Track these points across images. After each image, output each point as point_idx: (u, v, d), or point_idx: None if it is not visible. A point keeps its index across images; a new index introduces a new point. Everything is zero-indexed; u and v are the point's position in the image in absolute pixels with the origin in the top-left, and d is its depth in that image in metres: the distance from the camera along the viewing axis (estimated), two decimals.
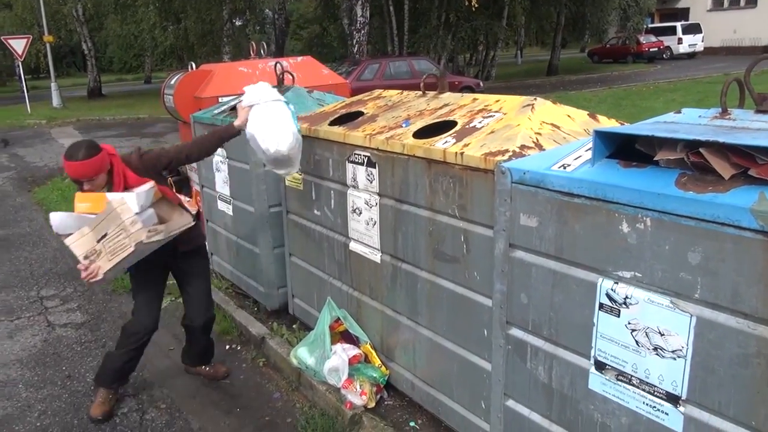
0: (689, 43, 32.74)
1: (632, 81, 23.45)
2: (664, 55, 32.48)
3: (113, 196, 3.01)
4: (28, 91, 23.11)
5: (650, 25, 34.46)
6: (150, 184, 3.13)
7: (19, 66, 25.22)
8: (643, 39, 32.26)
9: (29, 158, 13.02)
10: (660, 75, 25.11)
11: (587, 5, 29.35)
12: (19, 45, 21.22)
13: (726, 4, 33.63)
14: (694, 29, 32.75)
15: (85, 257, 3.01)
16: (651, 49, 32.24)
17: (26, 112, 21.52)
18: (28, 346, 4.42)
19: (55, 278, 5.73)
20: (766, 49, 29.53)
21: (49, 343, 4.46)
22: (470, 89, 17.35)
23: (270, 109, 3.39)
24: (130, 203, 2.99)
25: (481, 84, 19.69)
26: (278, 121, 3.36)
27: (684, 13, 35.02)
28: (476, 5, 20.33)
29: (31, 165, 12.19)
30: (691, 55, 32.84)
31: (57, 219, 3.09)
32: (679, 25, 32.93)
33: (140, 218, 3.00)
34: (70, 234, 3.06)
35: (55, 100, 23.55)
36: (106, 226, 2.97)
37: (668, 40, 32.73)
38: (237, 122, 3.40)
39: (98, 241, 2.98)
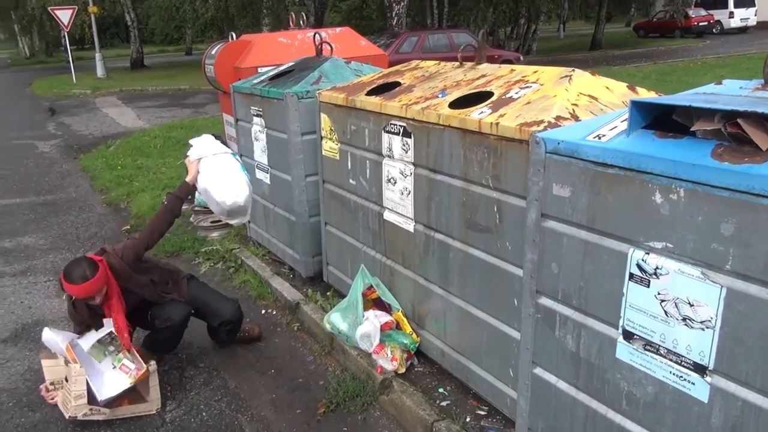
0: (741, 17, 31.46)
1: (679, 56, 22.72)
2: (713, 30, 31.29)
3: (78, 367, 3.11)
4: (73, 62, 23.72)
5: None
6: (131, 378, 3.18)
7: (65, 37, 25.78)
8: (692, 13, 31.14)
9: (75, 127, 13.40)
10: (709, 50, 24.25)
11: None
12: (65, 16, 21.73)
13: None
14: (746, 2, 31.39)
15: (51, 383, 3.25)
16: (700, 24, 31.11)
17: (72, 82, 22.11)
18: None
19: (100, 242, 5.93)
20: None
21: None
22: (510, 63, 17.08)
23: (220, 162, 3.50)
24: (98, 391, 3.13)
25: (521, 58, 19.36)
26: (231, 173, 3.48)
27: None
28: None
29: (77, 133, 12.54)
30: (742, 30, 31.59)
31: (47, 334, 3.26)
32: None
33: (91, 396, 3.12)
34: (51, 354, 3.27)
35: (100, 71, 24.08)
36: (67, 378, 3.17)
37: (719, 14, 31.49)
38: (188, 178, 3.51)
39: (65, 378, 3.18)
